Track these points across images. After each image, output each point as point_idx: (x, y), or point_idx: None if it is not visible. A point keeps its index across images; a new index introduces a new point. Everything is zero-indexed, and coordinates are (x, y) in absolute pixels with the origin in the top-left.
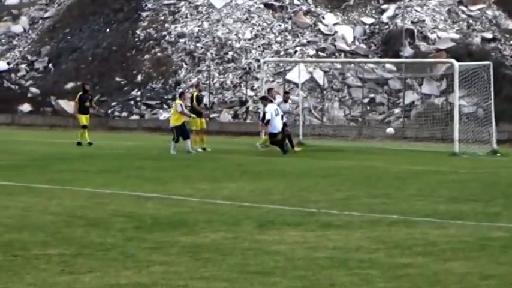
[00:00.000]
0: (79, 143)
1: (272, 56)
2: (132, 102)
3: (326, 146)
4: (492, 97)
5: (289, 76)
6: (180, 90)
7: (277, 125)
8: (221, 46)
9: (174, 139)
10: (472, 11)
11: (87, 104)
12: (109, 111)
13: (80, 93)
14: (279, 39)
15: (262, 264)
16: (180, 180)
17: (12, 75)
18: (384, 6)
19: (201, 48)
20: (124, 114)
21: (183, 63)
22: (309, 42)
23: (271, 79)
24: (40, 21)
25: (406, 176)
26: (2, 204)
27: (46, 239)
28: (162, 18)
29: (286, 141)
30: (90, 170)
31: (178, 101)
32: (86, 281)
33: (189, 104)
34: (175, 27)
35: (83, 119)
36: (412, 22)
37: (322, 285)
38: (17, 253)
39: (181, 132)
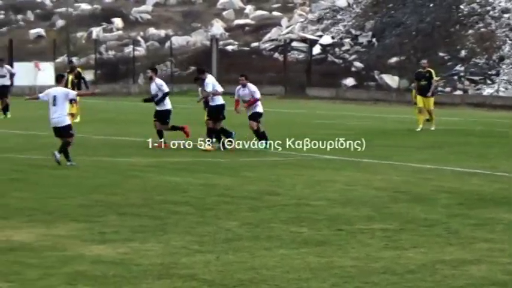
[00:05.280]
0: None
1: None
2: (456, 77)
3: None
4: None
5: None
6: None
7: None
8: None
9: None
10: None
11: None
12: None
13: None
14: None
15: None
16: (505, 157)
17: (337, 49)
18: None
19: None
20: (447, 89)
21: (507, 39)
22: None
23: None
24: None
25: None
26: (328, 179)
27: (370, 213)
28: None
29: None
30: (413, 145)
31: None
32: (410, 256)
33: None
34: (499, 1)
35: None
36: None
37: None
38: (342, 227)
39: None
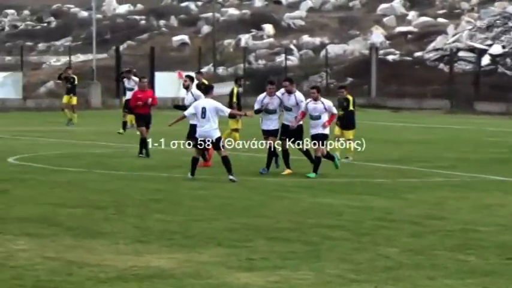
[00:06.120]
0: None
1: None
2: None
3: None
4: None
5: None
6: None
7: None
8: None
9: None
10: None
11: None
12: None
13: None
14: None
15: None
16: None
17: (508, 59)
18: None
19: None
20: None
21: None
22: None
23: None
24: None
25: None
26: (497, 202)
27: None
28: None
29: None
30: None
31: None
32: None
33: None
34: None
35: None
36: None
37: None
38: None
39: None
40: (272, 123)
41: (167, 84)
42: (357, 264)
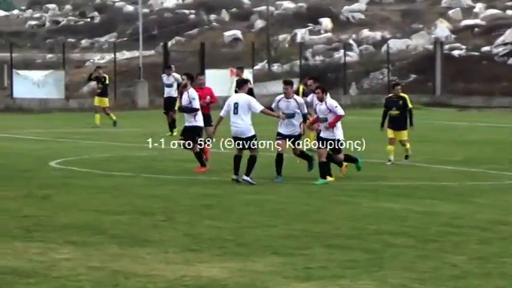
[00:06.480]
0: None
1: None
2: None
3: None
4: None
5: None
6: None
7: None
8: None
9: None
10: None
11: None
12: None
13: None
14: None
15: None
16: None
17: None
18: None
19: None
20: None
21: None
22: None
23: None
24: None
25: None
26: None
27: None
28: None
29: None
30: None
31: None
32: None
33: None
34: None
35: None
36: None
37: None
38: None
39: None
40: (290, 127)
41: (219, 82)
42: (422, 273)
